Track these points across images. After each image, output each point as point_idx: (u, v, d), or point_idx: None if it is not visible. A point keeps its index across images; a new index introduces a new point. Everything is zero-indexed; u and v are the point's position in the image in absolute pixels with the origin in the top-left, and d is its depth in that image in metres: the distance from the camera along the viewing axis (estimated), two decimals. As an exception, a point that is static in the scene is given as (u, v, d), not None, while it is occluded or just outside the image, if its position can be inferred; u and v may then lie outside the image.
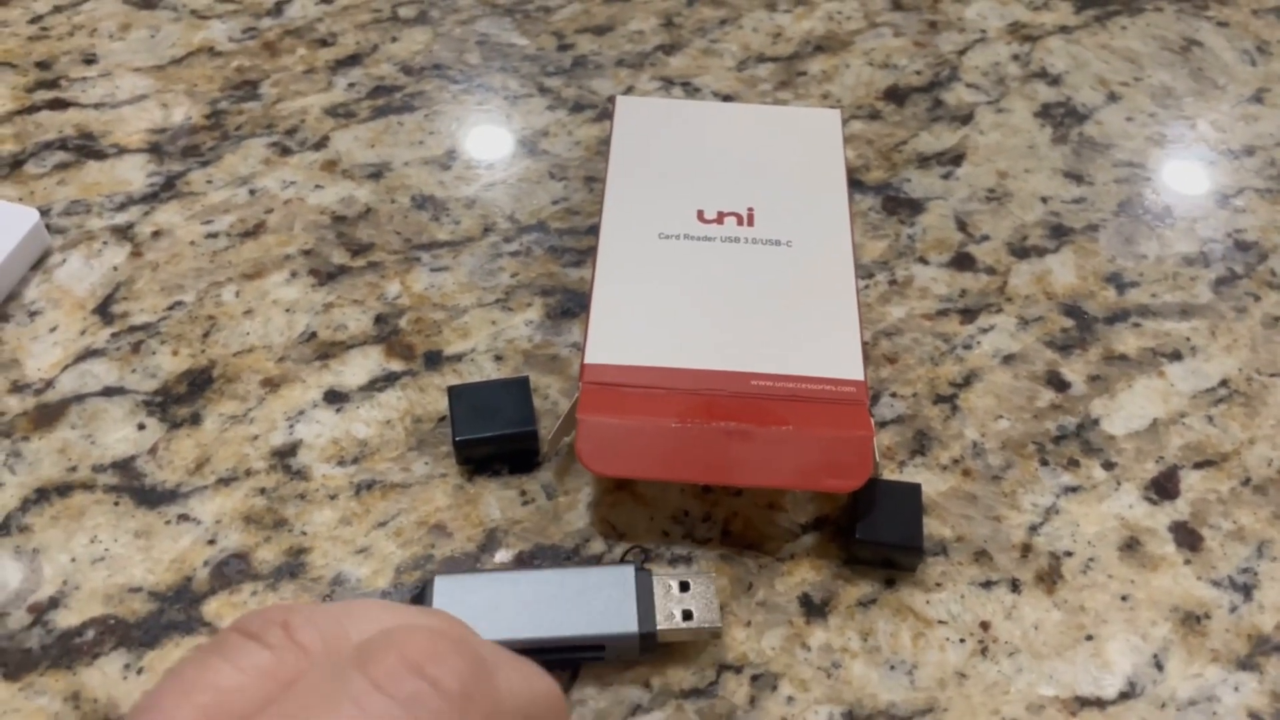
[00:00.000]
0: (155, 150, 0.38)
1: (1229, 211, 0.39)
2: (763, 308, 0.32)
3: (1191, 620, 0.28)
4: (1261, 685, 0.27)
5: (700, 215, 0.34)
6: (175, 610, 0.27)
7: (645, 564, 0.28)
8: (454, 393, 0.30)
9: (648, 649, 0.26)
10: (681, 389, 0.30)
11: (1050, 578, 0.29)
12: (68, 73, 0.41)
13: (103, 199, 0.37)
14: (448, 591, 0.26)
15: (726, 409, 0.29)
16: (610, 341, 0.31)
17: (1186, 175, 0.40)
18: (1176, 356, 0.34)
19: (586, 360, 0.30)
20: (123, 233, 0.36)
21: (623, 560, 0.28)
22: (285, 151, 0.39)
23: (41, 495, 0.29)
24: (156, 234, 0.36)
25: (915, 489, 0.29)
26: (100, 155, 0.38)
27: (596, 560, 0.29)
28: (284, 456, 0.30)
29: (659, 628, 0.26)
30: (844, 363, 0.30)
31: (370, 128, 0.40)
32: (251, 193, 0.37)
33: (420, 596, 0.27)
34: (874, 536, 0.28)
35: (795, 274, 0.33)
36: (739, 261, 0.33)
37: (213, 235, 0.36)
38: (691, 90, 0.42)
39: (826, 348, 0.31)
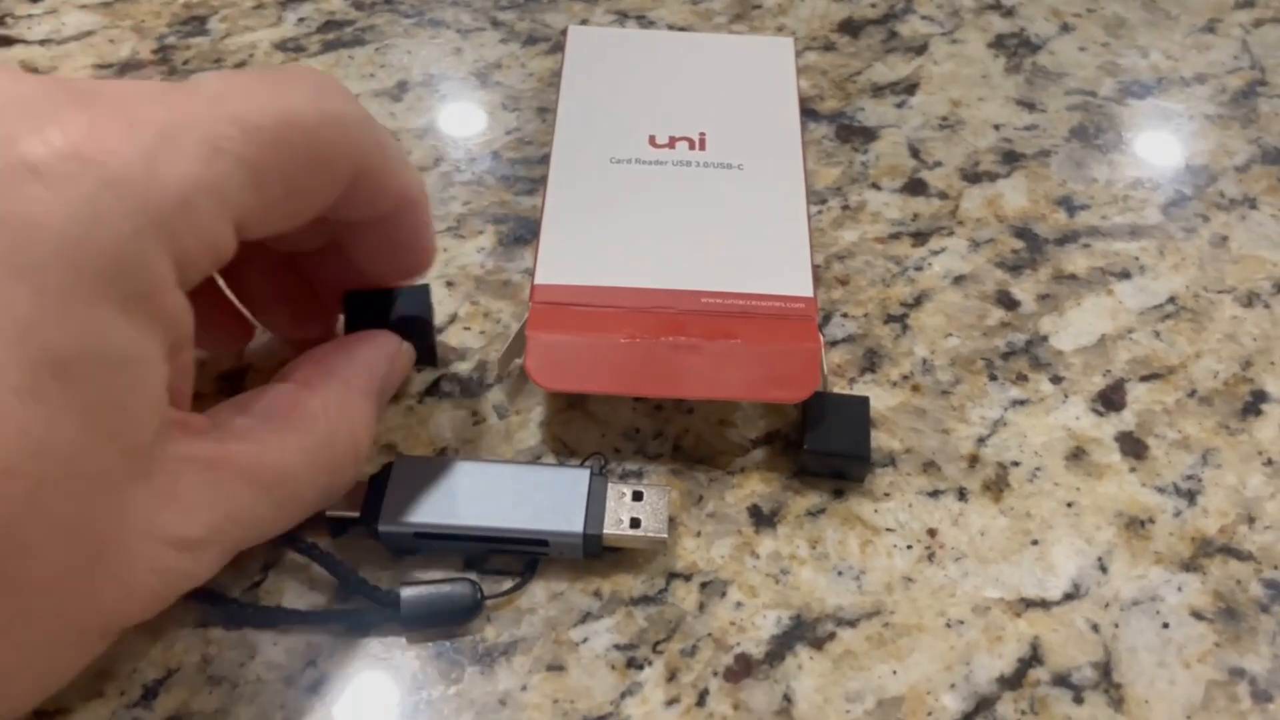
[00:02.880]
0: (101, 85, 0.38)
1: (1179, 137, 0.39)
2: (714, 228, 0.32)
3: (1136, 525, 0.28)
4: (1204, 585, 0.27)
5: (652, 140, 0.34)
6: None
7: (603, 471, 0.28)
8: (349, 299, 0.28)
9: (592, 551, 0.26)
10: (631, 307, 0.30)
11: (997, 486, 0.29)
12: (13, 10, 0.40)
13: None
14: (404, 473, 0.27)
15: (676, 325, 0.29)
16: (560, 262, 0.31)
17: (1138, 103, 0.40)
18: (1125, 275, 0.34)
19: (536, 280, 0.30)
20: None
21: (583, 465, 0.28)
22: (234, 85, 0.38)
23: None
24: (102, 166, 0.35)
25: (863, 401, 0.29)
26: (45, 90, 0.37)
27: (548, 477, 0.29)
28: (231, 380, 0.30)
29: (605, 531, 0.26)
30: (793, 280, 0.30)
31: (321, 61, 0.39)
32: (199, 125, 0.37)
33: (377, 477, 0.27)
34: (822, 447, 0.28)
35: (747, 195, 0.33)
36: (691, 184, 0.33)
37: (160, 167, 0.35)
38: (646, 23, 0.42)
39: (777, 266, 0.31)
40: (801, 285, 0.30)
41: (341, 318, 0.28)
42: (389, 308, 0.28)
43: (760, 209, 0.32)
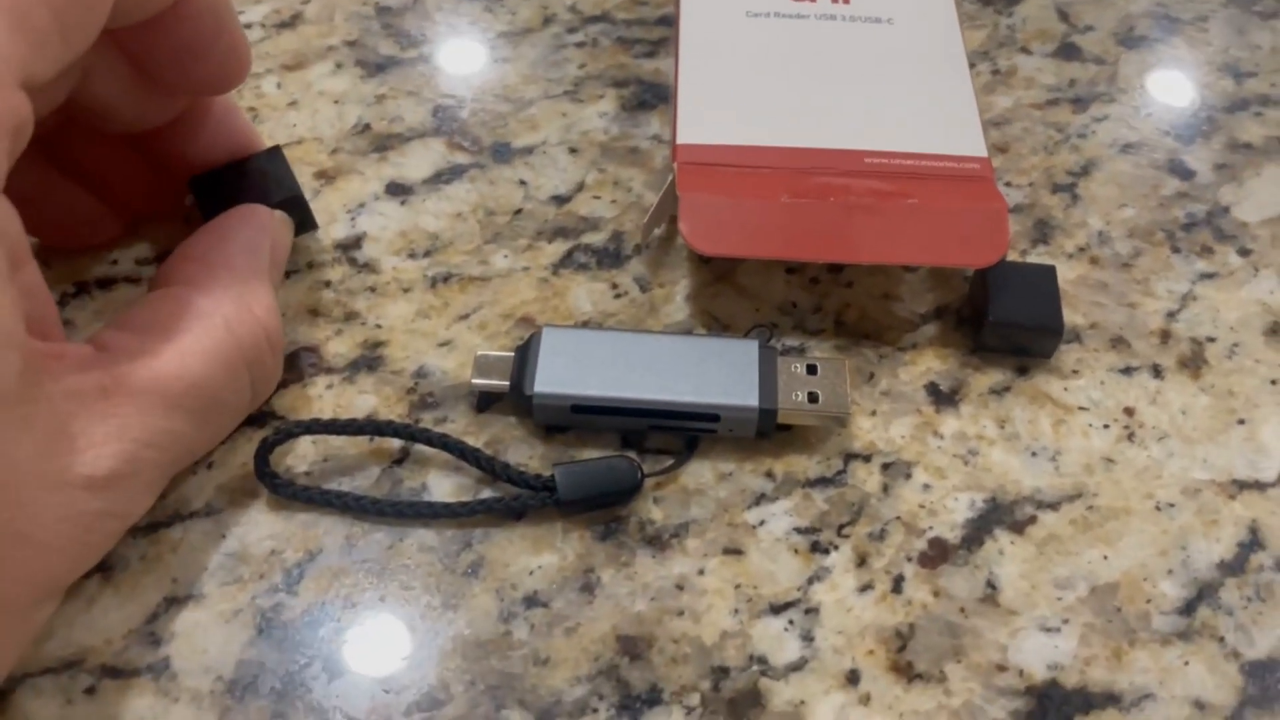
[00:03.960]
0: (172, -59, 0.34)
1: (1345, 3, 0.36)
2: (869, 85, 0.29)
3: (1348, 404, 0.26)
4: None
5: (790, -7, 0.31)
6: (243, 405, 0.25)
7: (770, 343, 0.25)
8: (195, 183, 0.25)
9: (765, 429, 0.24)
10: (787, 167, 0.27)
11: (1194, 363, 0.26)
12: None
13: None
14: (556, 343, 0.24)
15: (841, 186, 0.26)
16: (702, 120, 0.28)
17: (1298, -34, 0.37)
18: (1305, 145, 0.31)
19: (679, 140, 0.27)
20: (145, 23, 0.32)
21: (746, 336, 0.25)
22: (317, -58, 0.35)
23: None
24: (183, 24, 0.32)
25: (1050, 270, 0.26)
26: (111, -54, 0.34)
27: (700, 353, 0.26)
28: (348, 249, 0.27)
29: (780, 406, 0.24)
30: (965, 140, 0.27)
31: (409, -83, 0.36)
32: (284, -17, 0.34)
33: (525, 347, 0.24)
34: (1009, 318, 0.25)
35: (900, 51, 0.30)
36: (837, 39, 0.30)
37: (246, 26, 0.32)
38: (758, -120, 0.38)
39: (943, 124, 0.28)
40: (974, 144, 0.27)
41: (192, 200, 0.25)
42: (242, 181, 0.25)
43: (917, 65, 0.29)
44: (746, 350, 0.24)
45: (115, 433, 0.19)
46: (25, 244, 0.18)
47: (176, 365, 0.20)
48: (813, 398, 0.24)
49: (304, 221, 0.26)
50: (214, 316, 0.21)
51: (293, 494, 0.23)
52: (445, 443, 0.23)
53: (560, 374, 0.24)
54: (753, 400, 0.24)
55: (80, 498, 0.18)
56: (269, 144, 0.26)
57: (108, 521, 0.19)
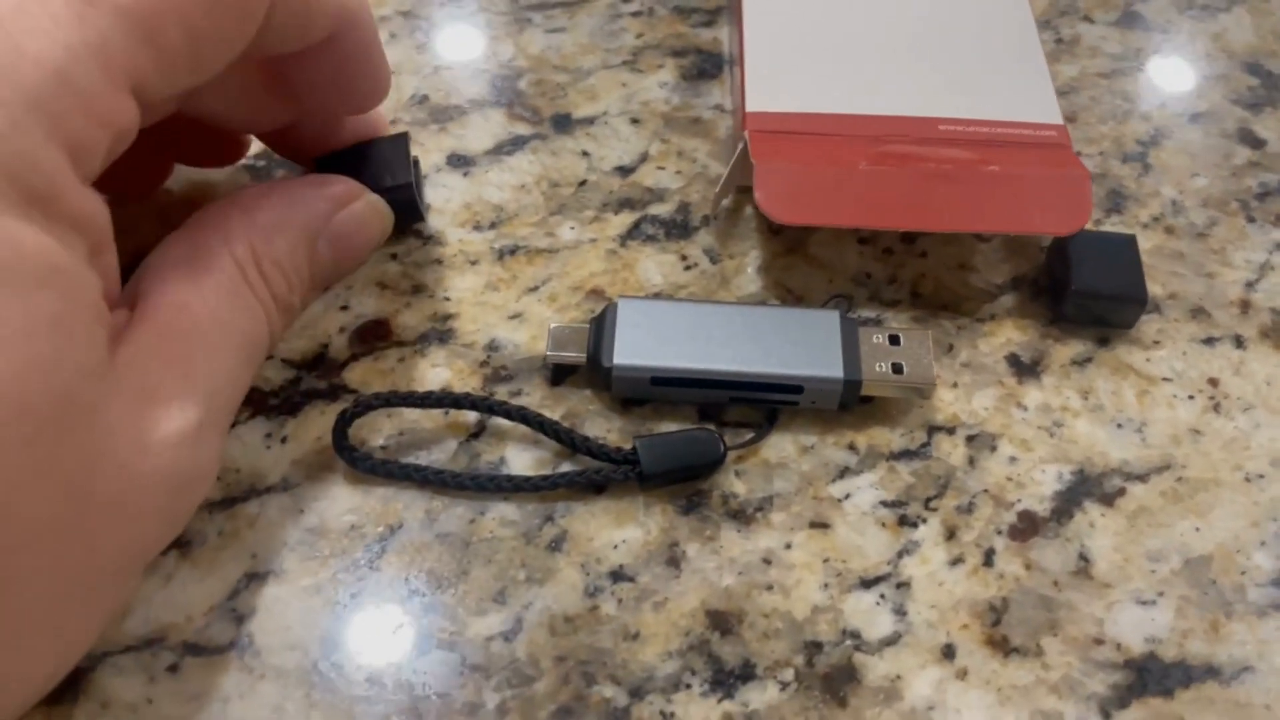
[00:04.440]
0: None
1: None
2: (938, 52, 0.28)
3: None
4: None
5: (854, -40, 0.30)
6: (313, 378, 0.24)
7: (850, 313, 0.24)
8: (318, 164, 0.25)
9: (849, 401, 0.24)
10: (860, 135, 0.26)
11: (1275, 333, 0.26)
12: None
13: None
14: (632, 315, 0.24)
15: (917, 153, 0.26)
16: (771, 87, 0.27)
17: (1359, -66, 0.36)
18: (1376, 114, 0.31)
19: (748, 109, 0.27)
20: None
21: (824, 307, 0.25)
22: (364, -89, 0.34)
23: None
24: (232, -6, 0.31)
25: (1130, 240, 0.26)
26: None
27: (774, 325, 0.26)
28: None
29: (865, 378, 0.23)
30: (1040, 107, 0.27)
31: (456, -114, 0.35)
32: (333, -47, 0.33)
33: (601, 319, 0.24)
34: (1091, 288, 0.25)
35: (969, 17, 0.29)
36: (904, 5, 0.29)
37: (296, -4, 0.32)
38: None
39: (1016, 91, 0.27)
40: (1049, 112, 0.27)
41: None
42: (360, 164, 0.24)
43: (987, 32, 0.29)
44: (828, 320, 0.24)
45: (190, 382, 0.18)
46: (110, 232, 0.17)
47: (201, 303, 0.19)
48: (897, 369, 0.23)
49: (410, 213, 0.26)
50: (222, 254, 0.20)
51: (371, 468, 0.22)
52: (524, 415, 0.23)
53: (639, 346, 0.23)
54: (837, 371, 0.23)
55: (172, 456, 0.17)
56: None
57: (195, 481, 0.18)
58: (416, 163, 0.26)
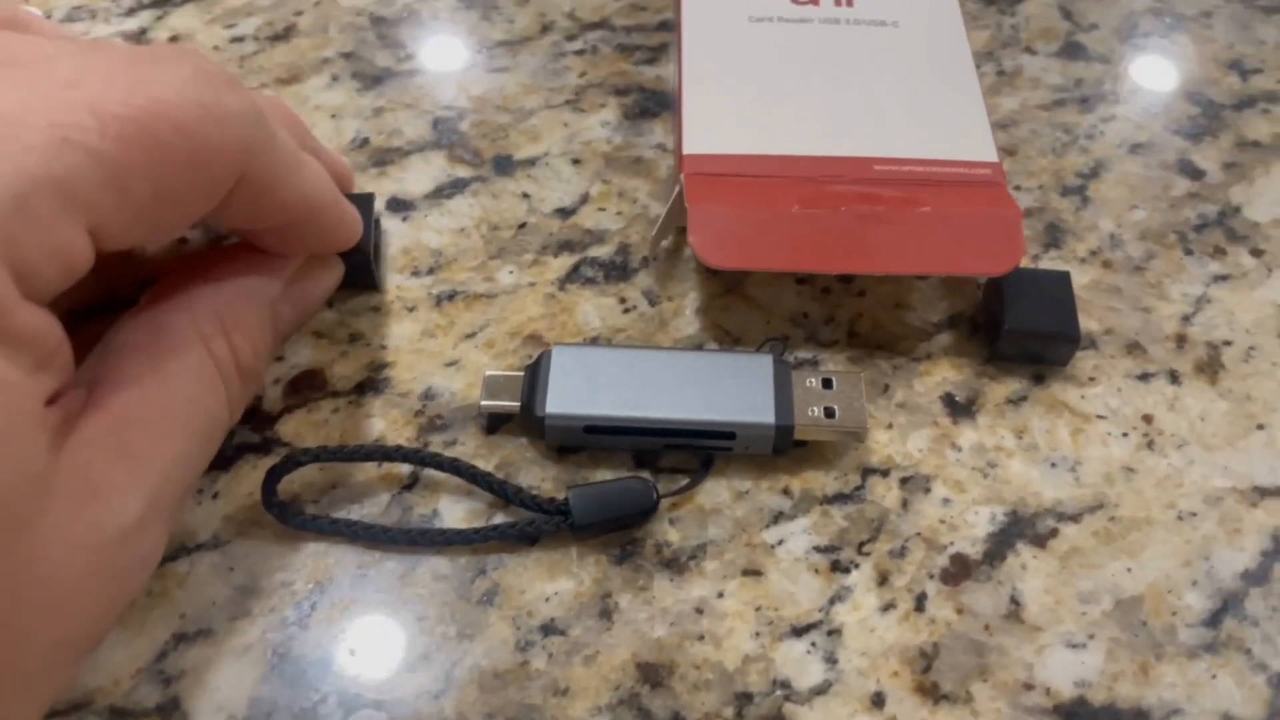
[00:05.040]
0: (160, -48, 0.34)
1: (1349, -4, 0.35)
2: (875, 90, 0.28)
3: (1367, 406, 0.25)
4: None
5: (792, -3, 0.31)
6: (246, 431, 0.24)
7: (784, 356, 0.25)
8: None
9: (782, 446, 0.24)
10: (796, 176, 0.26)
11: (1211, 368, 0.26)
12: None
13: (109, 3, 0.32)
14: (566, 362, 0.24)
15: (852, 194, 0.26)
16: (708, 129, 0.27)
17: (1300, -41, 0.36)
18: (1314, 142, 0.31)
19: (685, 151, 0.27)
20: (135, 39, 0.31)
21: (759, 351, 0.25)
22: (308, -49, 0.34)
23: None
24: (174, 39, 0.31)
25: (1064, 276, 0.26)
26: (97, -42, 0.34)
27: (711, 368, 0.26)
28: (349, 268, 0.27)
29: (797, 423, 0.23)
30: (974, 144, 0.27)
31: (401, -76, 0.35)
32: (276, -6, 0.33)
33: (535, 366, 0.24)
34: (1025, 327, 0.25)
35: (906, 54, 0.29)
36: (841, 43, 0.29)
37: (238, 39, 0.32)
38: (754, -120, 0.37)
39: (952, 129, 0.27)
40: (984, 149, 0.27)
41: None
42: None
43: (924, 69, 0.29)
44: (761, 365, 0.24)
45: (137, 474, 0.18)
46: (62, 342, 0.17)
47: (163, 387, 0.19)
48: (829, 413, 0.24)
49: (365, 277, 0.26)
50: (189, 332, 0.20)
51: (301, 524, 0.22)
52: (456, 467, 0.23)
53: (572, 394, 0.23)
54: (769, 417, 0.23)
55: (112, 552, 0.17)
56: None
57: (136, 572, 0.18)
58: (378, 223, 0.26)
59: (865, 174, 0.26)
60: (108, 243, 0.17)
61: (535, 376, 0.24)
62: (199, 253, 0.22)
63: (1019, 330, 0.25)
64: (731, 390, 0.23)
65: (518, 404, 0.24)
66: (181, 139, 0.17)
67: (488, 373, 0.24)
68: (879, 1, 0.30)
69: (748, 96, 0.28)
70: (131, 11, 0.32)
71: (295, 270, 0.23)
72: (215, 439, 0.20)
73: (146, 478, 0.18)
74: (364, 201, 0.25)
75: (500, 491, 0.23)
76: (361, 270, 0.25)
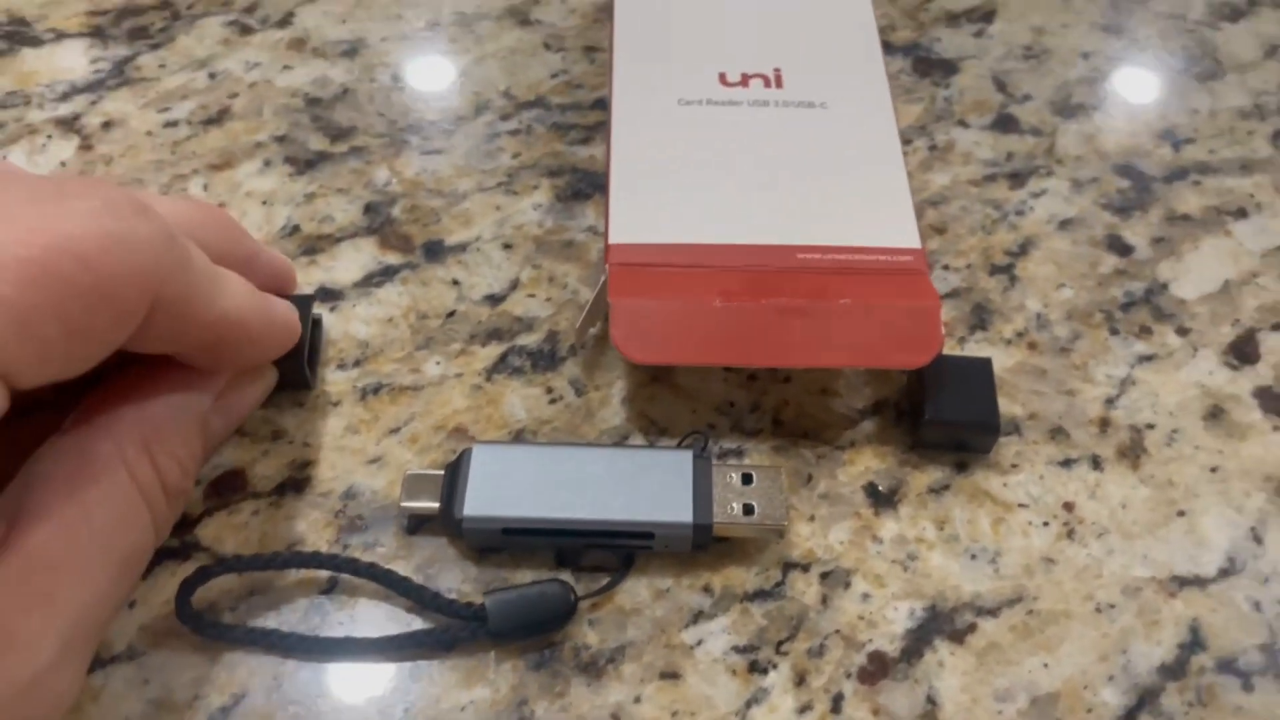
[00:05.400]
0: (98, 34, 0.34)
1: (1278, 62, 0.36)
2: (802, 175, 0.29)
3: (1287, 490, 0.26)
4: (1367, 554, 0.25)
5: (723, 79, 0.31)
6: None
7: (705, 452, 0.25)
8: None
9: (701, 543, 0.24)
10: (720, 266, 0.26)
11: (1133, 452, 0.26)
12: (-11, -47, 0.36)
13: (43, 89, 0.32)
14: (485, 461, 0.24)
15: (774, 285, 0.26)
16: (634, 218, 0.27)
17: (1231, 26, 0.37)
18: (1242, 214, 0.31)
19: (611, 240, 0.27)
20: (68, 124, 0.32)
21: (680, 446, 0.25)
22: (246, 30, 0.34)
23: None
24: (107, 124, 0.32)
25: (985, 364, 0.26)
26: (36, 42, 0.34)
27: (637, 459, 0.26)
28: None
29: (715, 520, 0.23)
30: (897, 230, 0.27)
31: (340, 1, 0.35)
32: (211, 76, 0.33)
33: (455, 466, 0.24)
34: (945, 417, 0.25)
35: (834, 138, 0.29)
36: (770, 126, 0.30)
37: (172, 124, 0.32)
38: (693, -49, 0.38)
39: (876, 215, 0.28)
40: (907, 235, 0.27)
41: None
42: None
43: (851, 152, 0.29)
44: (681, 461, 0.24)
45: (47, 616, 0.18)
46: None
47: (85, 524, 0.19)
48: (748, 510, 0.24)
49: (297, 379, 0.26)
50: (112, 459, 0.20)
51: (217, 634, 0.22)
52: (373, 572, 0.23)
53: (490, 495, 0.23)
54: (686, 516, 0.23)
55: (25, 699, 0.17)
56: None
57: (52, 711, 0.18)
58: (318, 323, 0.27)
59: (788, 262, 0.27)
60: (21, 383, 0.17)
61: (455, 476, 0.24)
62: (126, 367, 0.22)
63: (939, 420, 0.25)
64: (650, 489, 0.24)
65: (437, 505, 0.24)
66: (88, 272, 0.17)
67: (408, 472, 0.24)
68: (808, 83, 0.31)
69: (675, 183, 0.28)
70: (65, 96, 0.32)
71: (226, 380, 0.23)
72: (138, 568, 0.20)
73: (61, 621, 0.18)
74: (304, 303, 0.25)
75: (417, 596, 0.23)
76: (295, 373, 0.25)
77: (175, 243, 0.19)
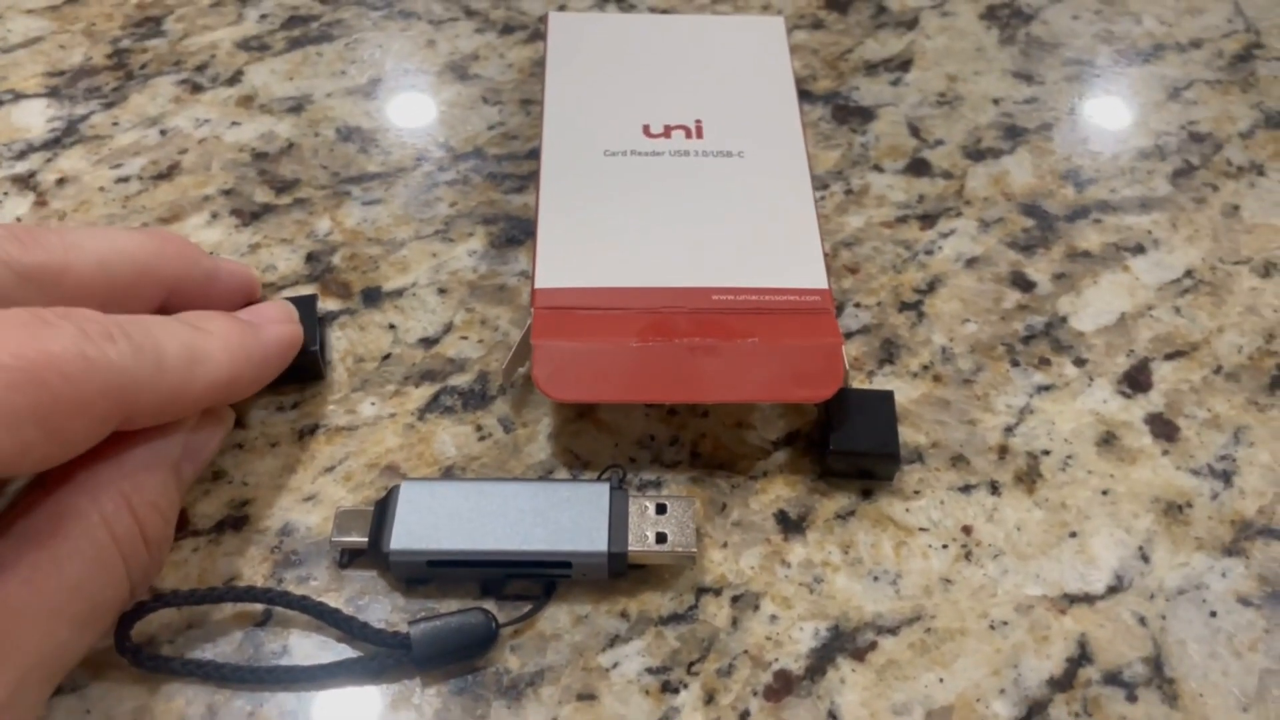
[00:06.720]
0: (55, 94, 0.36)
1: (1180, 104, 0.38)
2: (718, 220, 0.30)
3: (1174, 510, 0.27)
4: (1248, 569, 0.26)
5: (646, 130, 0.33)
6: (110, 574, 0.25)
7: (622, 484, 0.26)
8: None
9: (617, 571, 0.25)
10: (639, 308, 0.28)
11: (1029, 477, 0.28)
12: (-50, 17, 0.38)
13: (0, 148, 0.34)
14: (413, 497, 0.25)
15: (688, 325, 0.28)
16: (560, 263, 0.29)
17: (1136, 70, 0.39)
18: (1140, 250, 0.33)
19: (537, 285, 0.28)
20: (24, 181, 0.33)
21: (600, 479, 0.26)
22: (196, 89, 0.36)
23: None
24: (61, 181, 0.33)
25: (887, 396, 0.28)
26: (-7, 102, 0.35)
27: (561, 492, 0.27)
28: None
29: (630, 549, 0.25)
30: (806, 272, 0.29)
31: (287, 60, 0.37)
32: (162, 133, 0.35)
33: (385, 502, 0.25)
34: (848, 447, 0.27)
35: (750, 184, 0.31)
36: (690, 175, 0.31)
37: (123, 179, 0.33)
38: (626, 7, 0.40)
39: (787, 258, 0.29)
40: (815, 277, 0.29)
41: None
42: None
43: (765, 198, 0.31)
44: (598, 494, 0.25)
45: (5, 666, 0.19)
46: None
47: (55, 575, 0.20)
48: (661, 538, 0.25)
49: (314, 372, 0.29)
50: (90, 515, 0.21)
51: (155, 666, 0.23)
52: (304, 605, 0.24)
53: (416, 529, 0.25)
54: (602, 545, 0.25)
55: None
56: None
57: None
58: (323, 320, 0.29)
59: (703, 303, 0.28)
60: (2, 476, 0.19)
61: (384, 512, 0.25)
62: None
63: (843, 450, 0.27)
64: (568, 520, 0.25)
65: (366, 539, 0.25)
66: (68, 385, 0.19)
67: (339, 508, 0.25)
68: (726, 133, 0.32)
69: (598, 230, 0.30)
70: (22, 155, 0.34)
71: (190, 425, 0.24)
72: (107, 618, 0.21)
73: (14, 669, 0.19)
74: (307, 304, 0.28)
75: (345, 627, 0.24)
76: (310, 365, 0.28)
77: (144, 355, 0.21)
